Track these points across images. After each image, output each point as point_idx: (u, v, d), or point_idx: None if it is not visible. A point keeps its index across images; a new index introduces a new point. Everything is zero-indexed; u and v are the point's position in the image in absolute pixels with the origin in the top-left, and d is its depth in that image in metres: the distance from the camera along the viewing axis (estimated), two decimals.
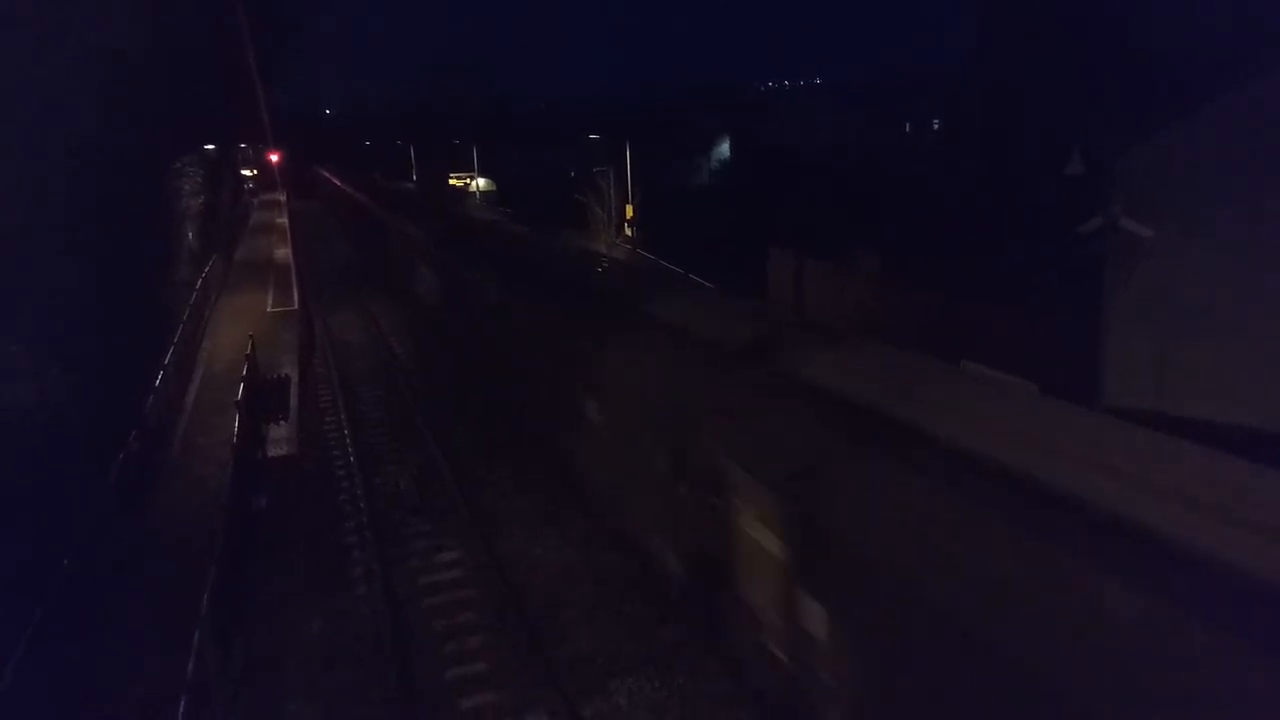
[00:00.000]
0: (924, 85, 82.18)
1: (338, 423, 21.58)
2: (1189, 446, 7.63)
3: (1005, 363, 16.27)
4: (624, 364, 13.28)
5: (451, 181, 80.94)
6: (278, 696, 10.35)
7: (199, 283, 27.40)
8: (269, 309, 27.44)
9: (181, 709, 7.65)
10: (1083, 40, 20.28)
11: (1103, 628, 5.59)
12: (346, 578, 14.02)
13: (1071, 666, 5.49)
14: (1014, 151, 21.40)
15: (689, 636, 11.59)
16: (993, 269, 18.34)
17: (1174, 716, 5.04)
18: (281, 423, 17.83)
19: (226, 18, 25.44)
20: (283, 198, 65.45)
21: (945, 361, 12.71)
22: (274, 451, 17.53)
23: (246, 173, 74.62)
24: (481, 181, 78.25)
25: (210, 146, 43.37)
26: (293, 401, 18.59)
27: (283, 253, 38.32)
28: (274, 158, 71.46)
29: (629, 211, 47.84)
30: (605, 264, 27.59)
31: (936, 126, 76.50)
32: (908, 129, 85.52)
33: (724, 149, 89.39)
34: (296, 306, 27.92)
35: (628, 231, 47.36)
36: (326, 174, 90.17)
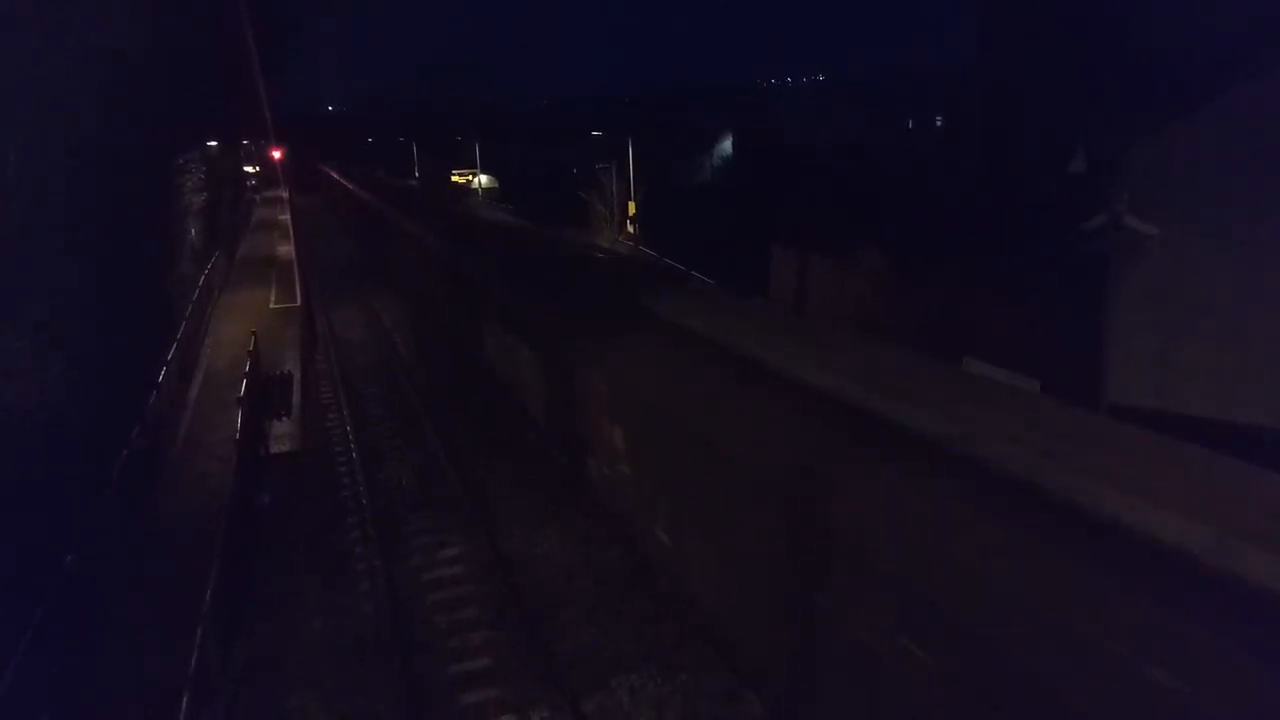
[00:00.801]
0: (925, 84, 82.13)
1: (340, 419, 21.59)
2: (1189, 448, 7.61)
3: (1008, 360, 16.26)
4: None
5: (454, 178, 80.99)
6: (278, 696, 10.39)
7: (201, 280, 27.47)
8: (271, 305, 27.52)
9: (183, 707, 7.68)
10: (1083, 39, 20.23)
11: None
12: (349, 574, 14.03)
13: None
14: (1015, 149, 21.34)
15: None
16: (995, 266, 18.28)
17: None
18: (284, 419, 17.90)
19: (226, 17, 25.43)
20: (285, 194, 65.39)
21: (946, 360, 12.70)
22: (277, 448, 17.60)
23: (249, 169, 74.60)
24: (484, 178, 78.33)
25: (213, 143, 43.39)
26: (295, 398, 18.65)
27: (285, 249, 38.34)
28: (276, 155, 71.32)
29: (631, 208, 47.85)
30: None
31: (939, 124, 76.43)
32: (910, 126, 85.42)
33: (726, 147, 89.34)
34: (299, 303, 27.98)
35: (630, 229, 47.38)
36: (329, 171, 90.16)
